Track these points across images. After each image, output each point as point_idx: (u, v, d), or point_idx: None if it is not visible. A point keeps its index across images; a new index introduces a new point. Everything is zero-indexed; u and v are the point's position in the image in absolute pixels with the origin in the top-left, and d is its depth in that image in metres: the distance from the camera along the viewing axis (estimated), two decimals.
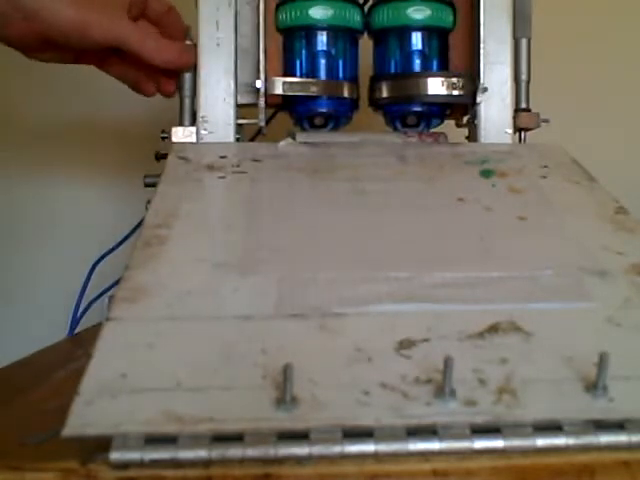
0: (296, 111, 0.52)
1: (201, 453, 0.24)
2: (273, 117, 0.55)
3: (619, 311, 0.32)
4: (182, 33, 0.51)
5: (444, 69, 0.52)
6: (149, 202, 0.41)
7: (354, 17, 0.51)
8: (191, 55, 0.50)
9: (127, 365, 0.28)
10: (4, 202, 0.75)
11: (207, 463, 0.25)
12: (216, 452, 0.25)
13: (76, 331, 0.53)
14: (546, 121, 0.52)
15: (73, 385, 0.26)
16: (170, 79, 0.51)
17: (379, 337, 0.30)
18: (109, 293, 0.49)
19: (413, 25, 0.51)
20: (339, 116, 0.52)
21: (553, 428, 0.26)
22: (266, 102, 0.49)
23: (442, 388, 0.26)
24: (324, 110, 0.51)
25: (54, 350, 0.47)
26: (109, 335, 0.29)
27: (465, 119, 0.54)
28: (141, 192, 0.48)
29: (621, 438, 0.26)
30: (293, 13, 0.50)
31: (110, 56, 0.51)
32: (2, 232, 0.75)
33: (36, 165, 0.75)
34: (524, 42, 0.52)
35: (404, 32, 0.51)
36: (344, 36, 0.51)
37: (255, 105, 0.50)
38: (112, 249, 0.55)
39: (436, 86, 0.50)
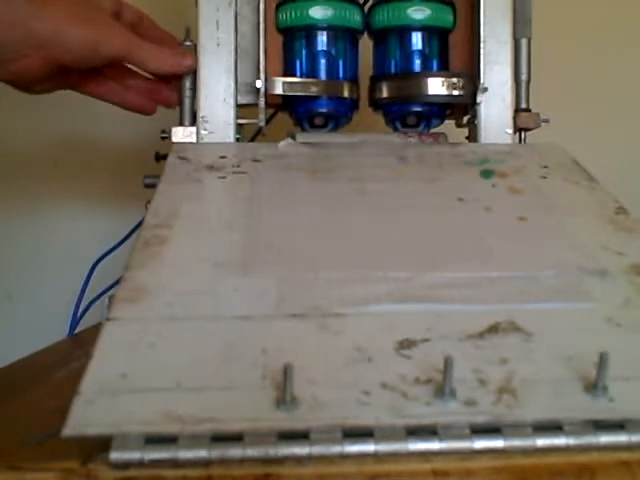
0: (296, 111, 0.52)
1: (201, 453, 0.24)
2: (273, 117, 0.55)
3: (619, 311, 0.32)
4: (158, 37, 0.51)
5: (444, 69, 0.52)
6: (149, 202, 0.41)
7: (354, 17, 0.51)
8: (191, 58, 0.49)
9: (127, 365, 0.28)
10: (4, 202, 0.75)
11: (207, 463, 0.25)
12: (216, 452, 0.25)
13: (76, 331, 0.53)
14: (546, 121, 0.52)
15: (73, 385, 0.26)
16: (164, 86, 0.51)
17: (379, 337, 0.30)
18: (109, 293, 0.49)
19: (413, 25, 0.51)
20: (339, 116, 0.52)
21: (553, 428, 0.26)
22: (266, 102, 0.49)
23: (442, 388, 0.26)
24: (324, 110, 0.51)
25: (54, 350, 0.47)
26: (109, 335, 0.29)
27: (465, 119, 0.54)
28: (141, 192, 0.48)
29: (621, 438, 0.26)
30: (293, 13, 0.50)
31: (91, 75, 0.50)
32: (2, 232, 0.75)
33: (37, 165, 0.75)
34: (524, 42, 0.52)
35: (404, 32, 0.51)
36: (344, 36, 0.51)
37: (255, 105, 0.50)
38: (112, 249, 0.55)
39: (436, 86, 0.50)
